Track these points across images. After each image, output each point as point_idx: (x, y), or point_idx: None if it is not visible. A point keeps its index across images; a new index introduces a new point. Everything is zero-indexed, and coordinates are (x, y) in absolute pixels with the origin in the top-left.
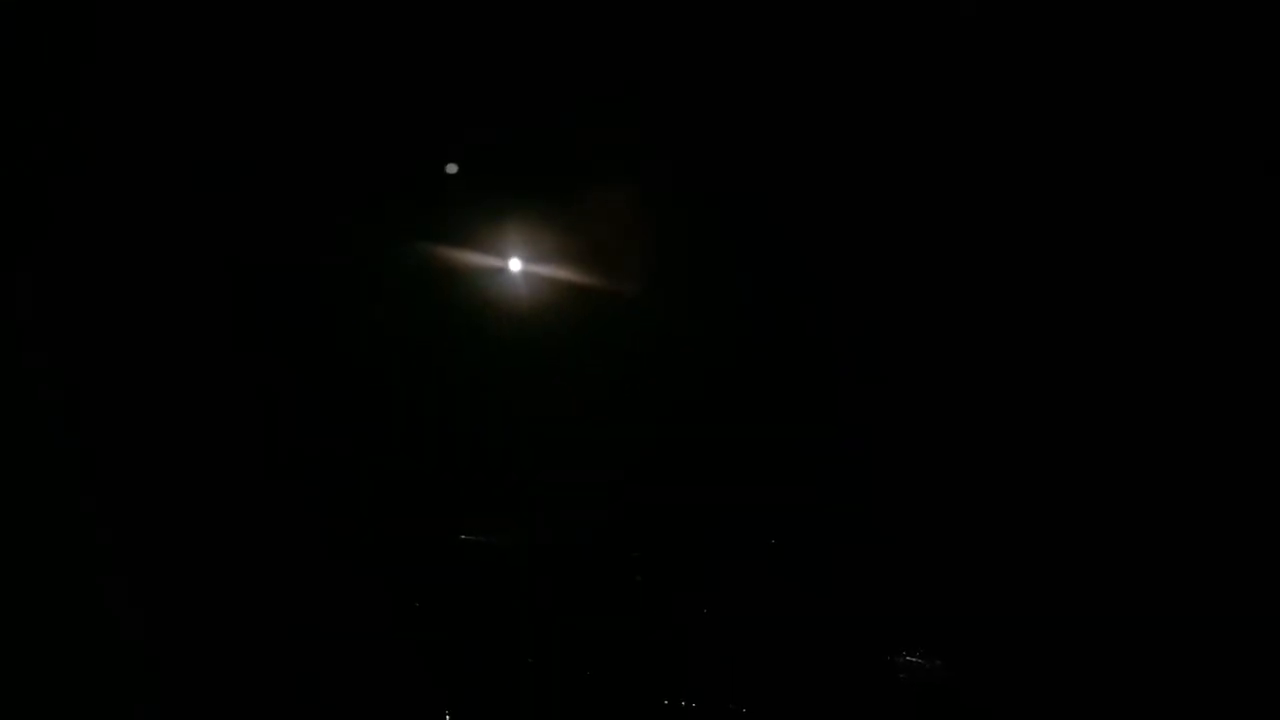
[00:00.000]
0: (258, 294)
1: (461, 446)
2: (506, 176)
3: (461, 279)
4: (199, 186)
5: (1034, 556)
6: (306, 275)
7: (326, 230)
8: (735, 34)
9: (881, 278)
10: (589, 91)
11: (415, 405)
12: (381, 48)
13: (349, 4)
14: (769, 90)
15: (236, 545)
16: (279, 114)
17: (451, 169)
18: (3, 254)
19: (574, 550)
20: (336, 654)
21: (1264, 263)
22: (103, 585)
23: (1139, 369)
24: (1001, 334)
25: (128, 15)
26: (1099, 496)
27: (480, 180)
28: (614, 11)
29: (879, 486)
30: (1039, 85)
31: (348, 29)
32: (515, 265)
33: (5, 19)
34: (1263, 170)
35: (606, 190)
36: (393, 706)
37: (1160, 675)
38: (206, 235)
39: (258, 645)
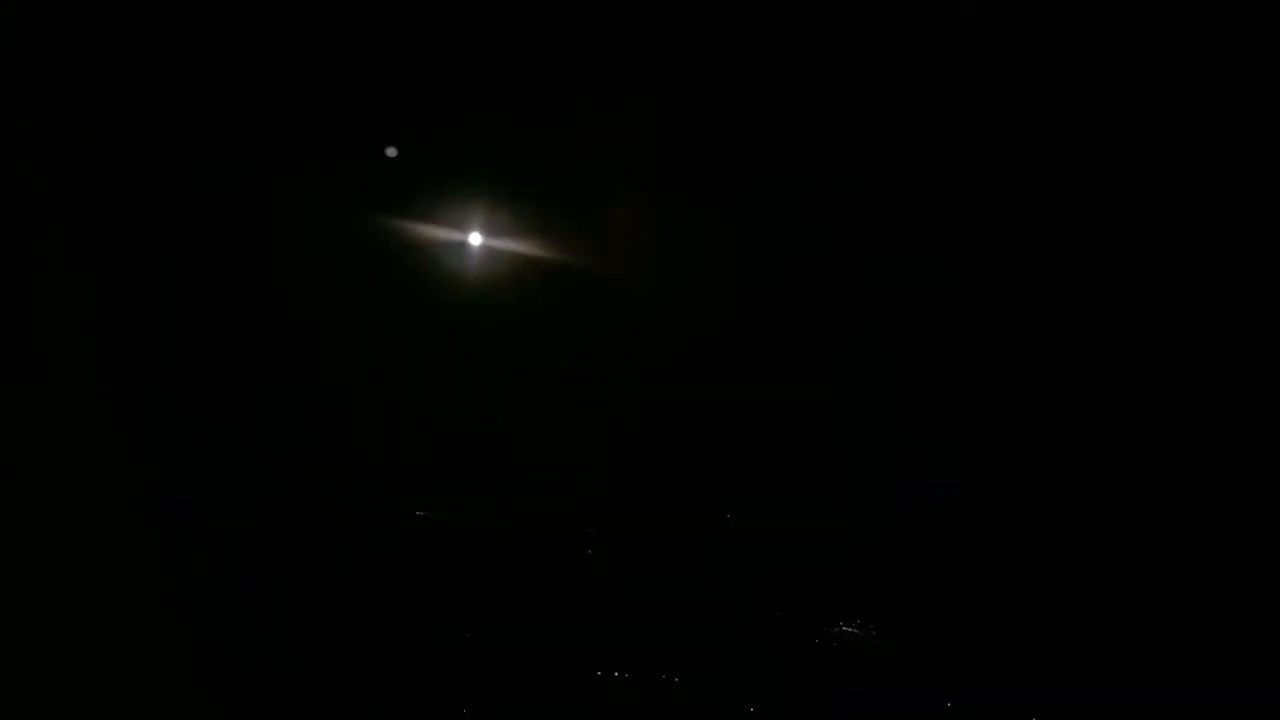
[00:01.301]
0: (220, 272)
1: (422, 422)
2: (468, 152)
3: (424, 254)
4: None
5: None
6: (268, 255)
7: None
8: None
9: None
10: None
11: (375, 379)
12: (348, 30)
13: None
14: (738, 57)
15: (194, 515)
16: (244, 93)
17: (391, 152)
18: None
19: (531, 527)
20: (293, 627)
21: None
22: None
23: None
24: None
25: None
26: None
27: (443, 157)
28: None
29: (843, 468)
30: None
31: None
32: (477, 239)
33: None
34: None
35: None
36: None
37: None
38: (167, 214)
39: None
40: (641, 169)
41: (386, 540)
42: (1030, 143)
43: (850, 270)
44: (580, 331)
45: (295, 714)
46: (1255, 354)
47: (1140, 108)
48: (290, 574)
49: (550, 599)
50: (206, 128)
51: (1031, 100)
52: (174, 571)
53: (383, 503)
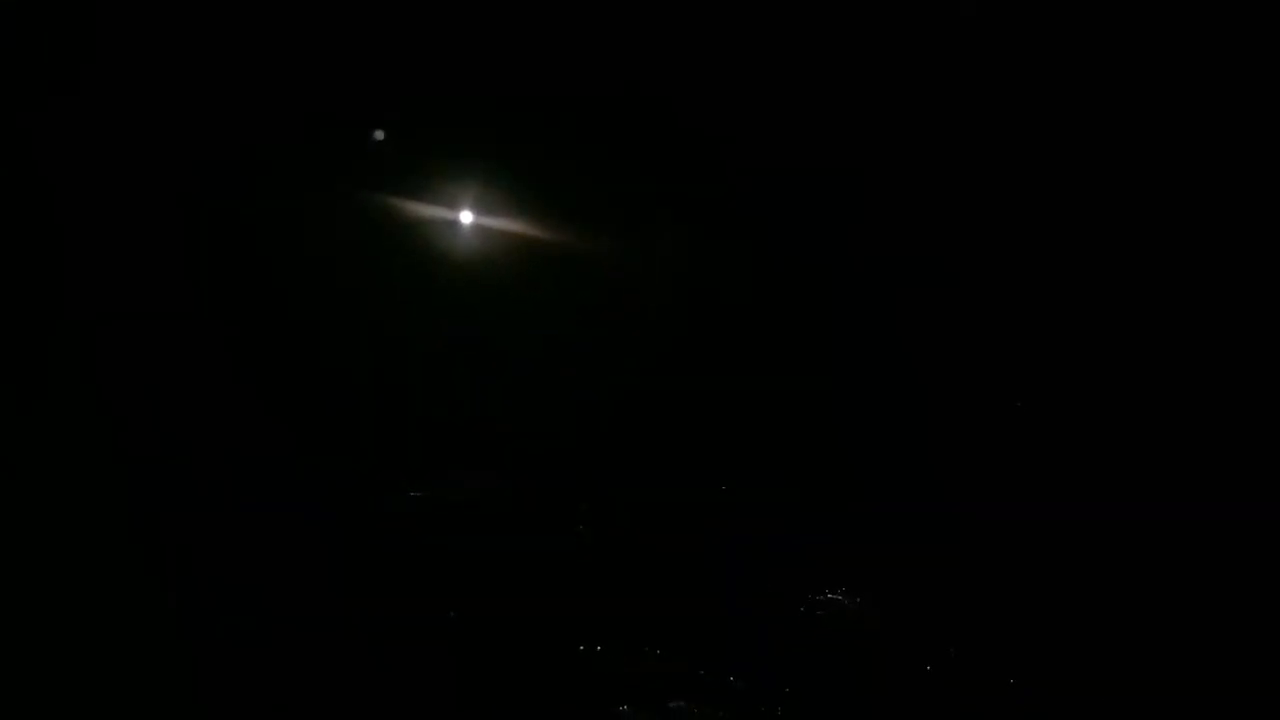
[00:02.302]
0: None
1: (409, 403)
2: (457, 131)
3: (410, 233)
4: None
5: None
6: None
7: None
8: None
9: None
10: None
11: (368, 364)
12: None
13: None
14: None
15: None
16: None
17: (379, 135)
18: None
19: (521, 504)
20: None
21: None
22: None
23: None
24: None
25: None
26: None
27: (430, 136)
28: None
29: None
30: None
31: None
32: (466, 218)
33: None
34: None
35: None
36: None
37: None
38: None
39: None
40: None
41: (378, 523)
42: (1030, 139)
43: (845, 257)
44: (574, 314)
45: (287, 697)
46: (1255, 353)
47: (1142, 107)
48: (280, 558)
49: (538, 573)
50: (191, 110)
51: (1031, 98)
52: (161, 559)
53: (376, 486)
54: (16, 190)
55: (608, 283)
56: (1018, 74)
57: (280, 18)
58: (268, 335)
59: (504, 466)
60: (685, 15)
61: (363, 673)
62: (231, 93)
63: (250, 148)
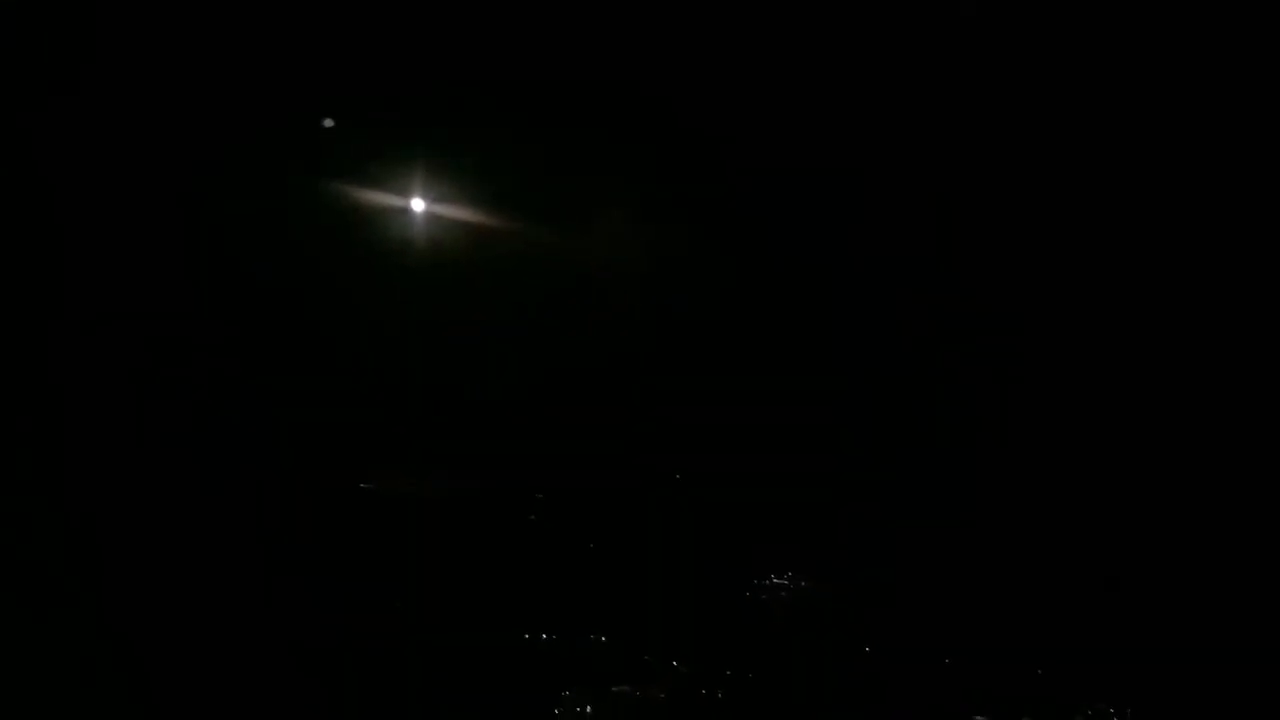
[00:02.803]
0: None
1: (366, 391)
2: (414, 116)
3: (370, 221)
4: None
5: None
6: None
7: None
8: None
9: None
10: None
11: (320, 351)
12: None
13: None
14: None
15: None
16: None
17: (328, 123)
18: None
19: (475, 495)
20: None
21: None
22: None
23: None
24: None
25: None
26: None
27: (388, 122)
28: None
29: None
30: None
31: None
32: (420, 206)
33: None
34: None
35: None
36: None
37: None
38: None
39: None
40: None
41: (330, 513)
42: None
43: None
44: (536, 305)
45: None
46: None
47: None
48: (243, 539)
49: (489, 562)
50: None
51: (1032, 95)
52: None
53: (329, 478)
54: None
55: (572, 272)
56: (1014, 74)
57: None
58: (229, 323)
59: (460, 458)
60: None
61: (301, 660)
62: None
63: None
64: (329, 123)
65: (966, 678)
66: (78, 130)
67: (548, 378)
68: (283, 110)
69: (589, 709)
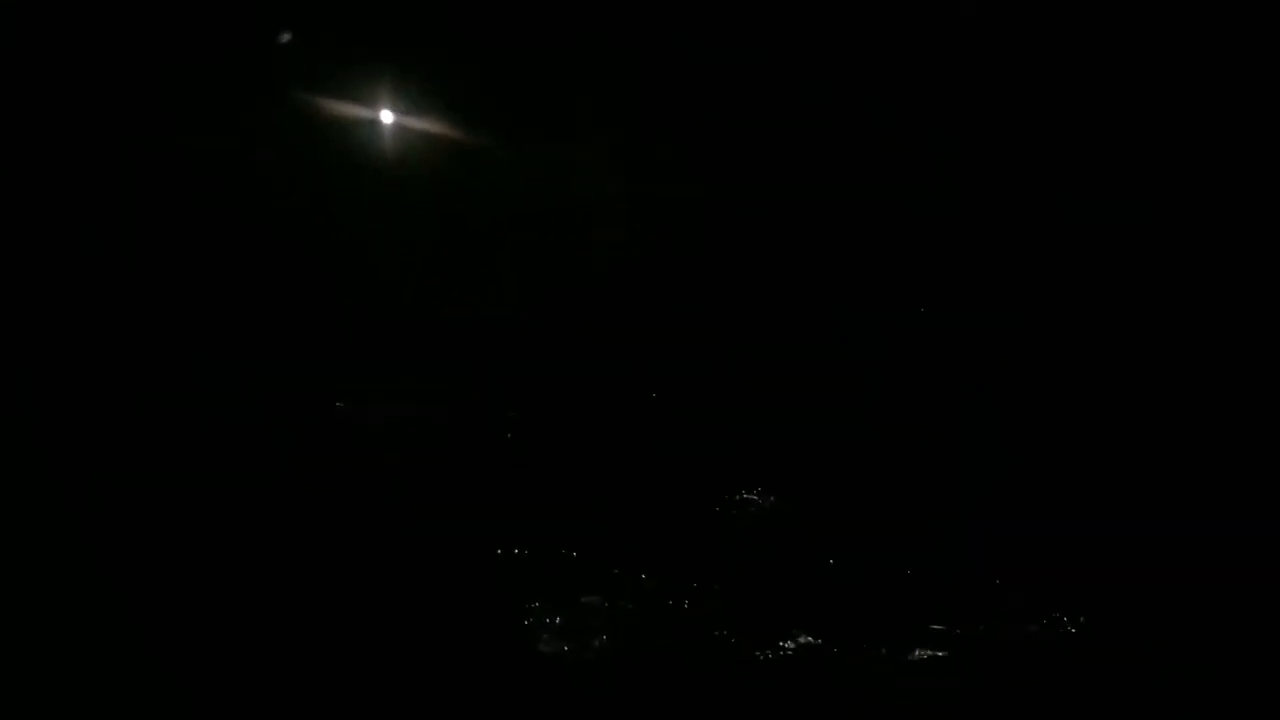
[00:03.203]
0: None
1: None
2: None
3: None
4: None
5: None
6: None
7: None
8: None
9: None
10: None
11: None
12: None
13: None
14: None
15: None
16: None
17: (285, 37)
18: None
19: (446, 410)
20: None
21: None
22: None
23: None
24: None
25: None
26: None
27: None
28: None
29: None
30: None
31: None
32: (387, 117)
33: None
34: None
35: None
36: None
37: None
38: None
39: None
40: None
41: (302, 433)
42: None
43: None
44: (504, 221)
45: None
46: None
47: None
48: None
49: (459, 477)
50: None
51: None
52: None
53: (300, 396)
54: None
55: (542, 187)
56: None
57: None
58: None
59: (431, 372)
60: None
61: (271, 577)
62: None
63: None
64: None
65: (927, 590)
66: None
67: (519, 295)
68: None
69: (558, 619)
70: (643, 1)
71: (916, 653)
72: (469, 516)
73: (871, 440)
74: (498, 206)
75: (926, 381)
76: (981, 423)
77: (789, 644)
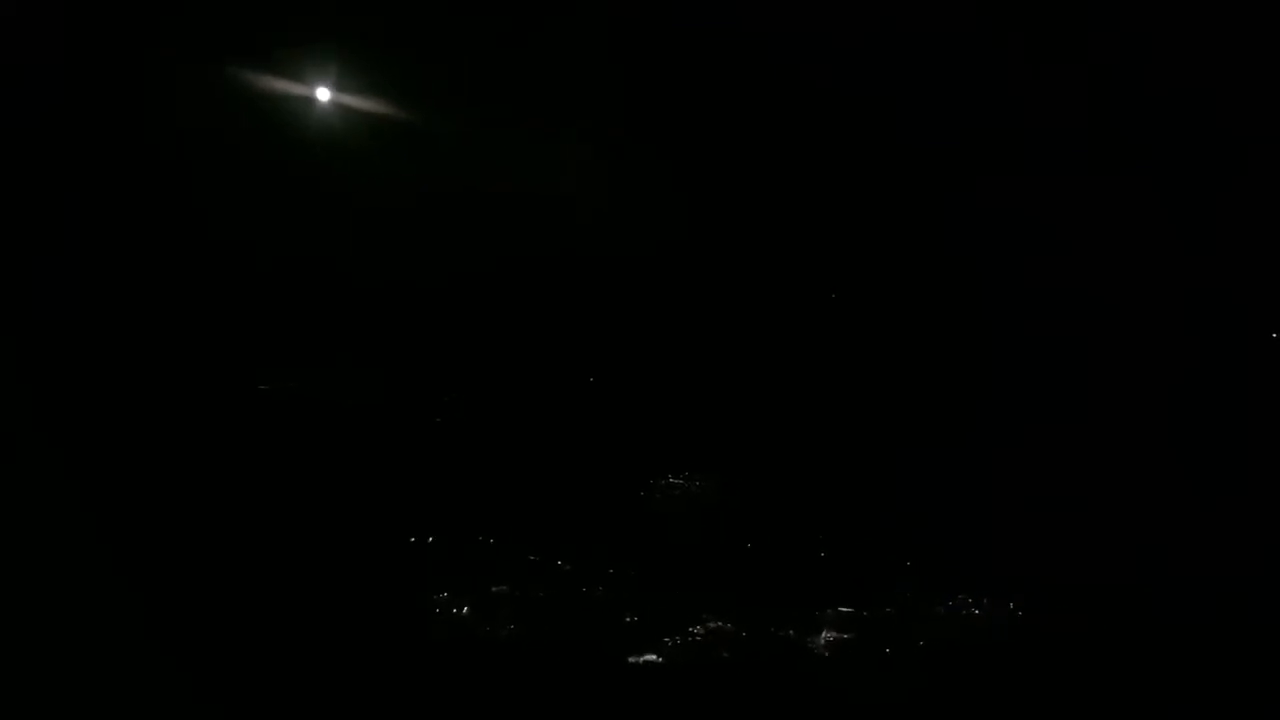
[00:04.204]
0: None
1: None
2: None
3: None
4: None
5: None
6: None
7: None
8: None
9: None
10: None
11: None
12: None
13: None
14: None
15: None
16: None
17: None
18: None
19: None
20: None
21: None
22: None
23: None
24: None
25: None
26: None
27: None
28: None
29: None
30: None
31: None
32: (325, 95)
33: None
34: None
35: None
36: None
37: None
38: None
39: None
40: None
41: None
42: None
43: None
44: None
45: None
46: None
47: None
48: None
49: (382, 464)
50: None
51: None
52: None
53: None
54: None
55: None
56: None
57: None
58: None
59: (367, 355)
60: None
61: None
62: None
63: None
64: None
65: (840, 573)
66: None
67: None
68: None
69: (465, 610)
70: None
71: (825, 635)
72: (380, 502)
73: (797, 424)
74: (435, 186)
75: (851, 368)
76: (898, 408)
77: (698, 628)
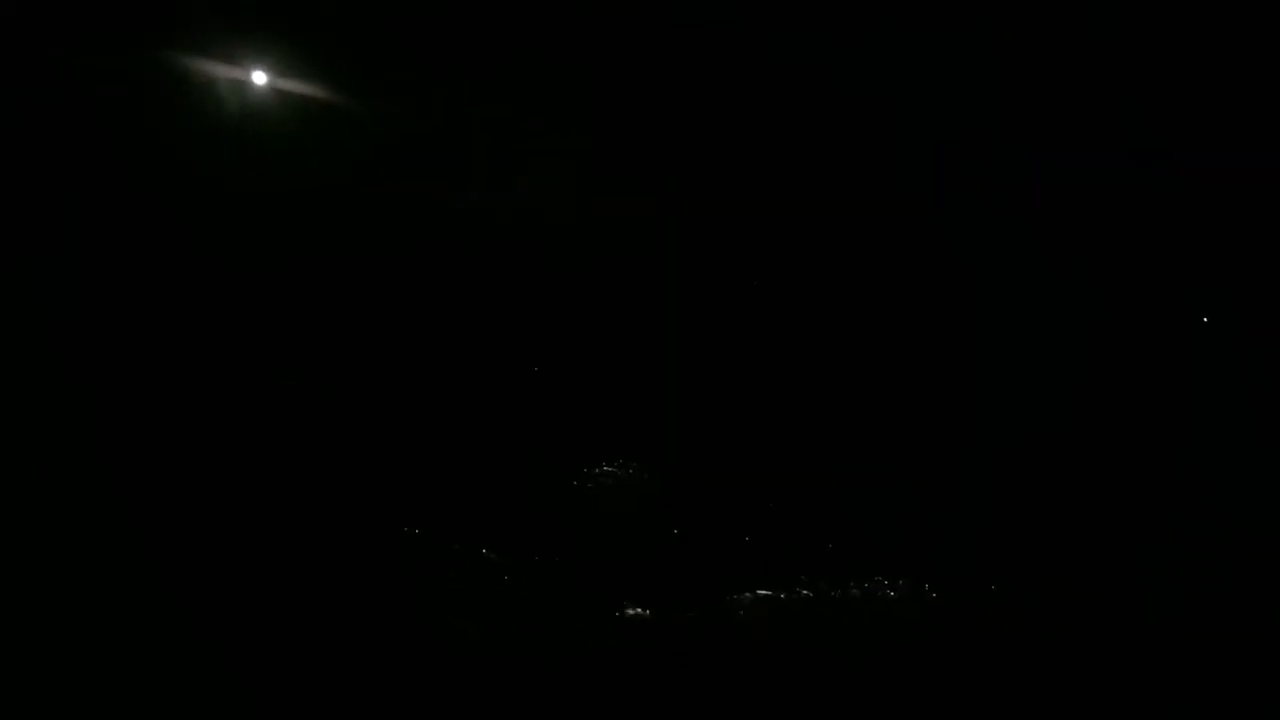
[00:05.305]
0: None
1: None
2: None
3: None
4: None
5: None
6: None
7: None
8: None
9: None
10: None
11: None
12: None
13: None
14: None
15: None
16: None
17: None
18: None
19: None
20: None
21: None
22: None
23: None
24: None
25: None
26: None
27: None
28: None
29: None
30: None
31: None
32: (262, 79)
33: None
34: None
35: None
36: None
37: None
38: None
39: None
40: None
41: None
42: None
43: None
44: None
45: None
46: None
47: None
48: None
49: (327, 457)
50: None
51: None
52: None
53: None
54: None
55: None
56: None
57: None
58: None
59: (320, 355)
60: None
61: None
62: None
63: None
64: None
65: (777, 563)
66: None
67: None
68: None
69: (387, 603)
70: None
71: (754, 626)
72: (307, 498)
73: (736, 411)
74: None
75: (835, 365)
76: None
77: (624, 613)
